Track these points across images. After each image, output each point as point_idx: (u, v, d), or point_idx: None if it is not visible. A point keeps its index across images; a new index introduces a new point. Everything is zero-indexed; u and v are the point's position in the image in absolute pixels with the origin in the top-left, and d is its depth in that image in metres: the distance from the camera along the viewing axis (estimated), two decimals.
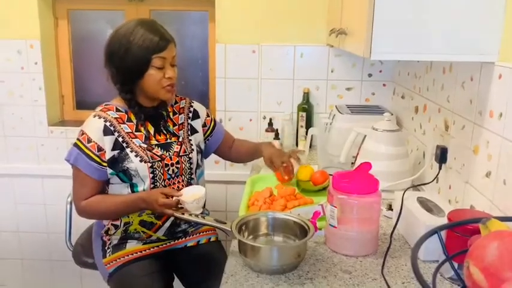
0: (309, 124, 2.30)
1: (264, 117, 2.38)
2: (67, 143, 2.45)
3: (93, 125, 1.50)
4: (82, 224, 1.95)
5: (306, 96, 2.30)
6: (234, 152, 1.85)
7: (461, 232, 1.01)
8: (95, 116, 1.52)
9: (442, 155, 1.52)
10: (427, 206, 1.31)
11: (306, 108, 2.30)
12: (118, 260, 1.58)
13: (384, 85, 2.32)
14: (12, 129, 2.47)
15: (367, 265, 1.20)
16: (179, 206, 1.44)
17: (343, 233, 1.25)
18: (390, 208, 1.49)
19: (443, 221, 1.17)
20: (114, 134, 1.50)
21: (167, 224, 1.60)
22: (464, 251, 0.73)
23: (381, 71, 2.31)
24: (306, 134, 2.22)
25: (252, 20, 2.28)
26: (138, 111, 1.55)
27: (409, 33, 1.19)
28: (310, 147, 2.18)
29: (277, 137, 2.28)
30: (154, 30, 1.47)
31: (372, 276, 1.14)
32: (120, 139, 1.51)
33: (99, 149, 1.48)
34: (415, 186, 1.62)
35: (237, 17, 2.28)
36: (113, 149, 1.50)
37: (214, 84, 2.39)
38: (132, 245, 1.60)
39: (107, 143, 1.49)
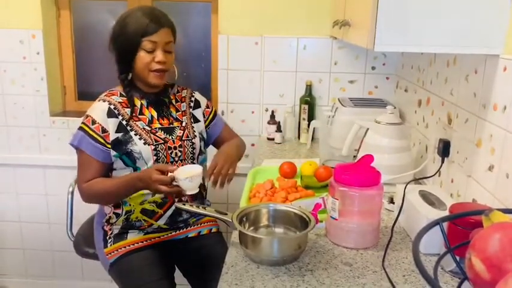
0: (311, 117, 2.29)
1: (266, 110, 2.37)
2: (69, 133, 2.45)
3: (98, 108, 1.54)
4: (83, 214, 1.96)
5: (309, 88, 2.29)
6: None
7: (462, 225, 1.01)
8: (99, 100, 1.57)
9: (444, 149, 1.51)
10: (429, 199, 1.31)
11: (309, 100, 2.29)
12: (119, 250, 1.58)
13: (387, 78, 2.31)
14: (14, 118, 2.47)
15: (367, 257, 1.20)
16: (174, 183, 1.42)
17: (344, 225, 1.24)
18: (392, 201, 1.49)
19: (445, 214, 1.16)
20: (117, 117, 1.53)
21: (168, 212, 1.61)
22: (466, 243, 0.72)
23: (384, 64, 2.29)
24: (308, 126, 2.21)
25: (254, 11, 2.27)
26: (135, 94, 1.59)
27: (413, 25, 1.17)
28: (312, 140, 2.18)
29: (279, 129, 2.28)
30: (148, 14, 1.51)
31: (373, 269, 1.14)
32: (124, 122, 1.54)
33: (103, 130, 1.51)
34: (417, 180, 1.61)
35: (240, 8, 2.27)
36: (117, 132, 1.52)
37: (217, 76, 2.38)
38: (133, 235, 1.60)
39: (111, 125, 1.52)
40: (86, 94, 2.61)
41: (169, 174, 1.41)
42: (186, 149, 1.60)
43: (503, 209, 0.82)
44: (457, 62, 1.51)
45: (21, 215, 2.63)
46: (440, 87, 1.64)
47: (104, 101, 1.56)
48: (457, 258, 0.86)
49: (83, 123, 1.53)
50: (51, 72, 2.45)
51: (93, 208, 1.76)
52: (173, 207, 1.60)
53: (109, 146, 1.51)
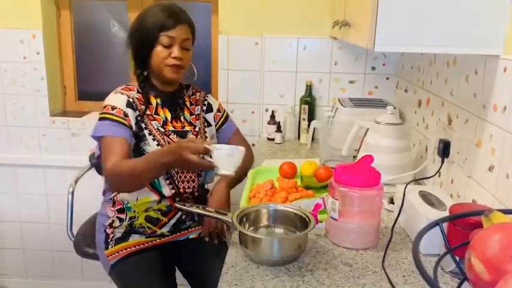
0: (311, 117, 2.29)
1: (267, 110, 2.37)
2: (69, 133, 2.45)
3: (116, 98, 1.51)
4: (83, 214, 1.96)
5: (309, 88, 2.29)
6: None
7: (462, 226, 1.01)
8: (116, 93, 1.54)
9: (444, 149, 1.51)
10: (429, 199, 1.31)
11: (309, 101, 2.29)
12: (120, 252, 1.57)
13: (387, 78, 2.31)
14: (14, 118, 2.47)
15: (367, 258, 1.20)
16: (207, 158, 1.31)
17: (344, 226, 1.24)
18: (392, 202, 1.49)
19: (445, 214, 1.16)
20: (135, 111, 1.51)
21: (172, 221, 1.60)
22: (466, 243, 0.72)
23: (384, 64, 2.29)
24: (308, 127, 2.21)
25: (255, 11, 2.27)
26: (150, 91, 1.57)
27: (413, 25, 1.17)
28: (312, 140, 2.18)
29: (279, 129, 2.28)
30: (167, 10, 1.50)
31: (373, 269, 1.14)
32: (140, 118, 1.52)
33: (125, 114, 1.48)
34: (417, 180, 1.61)
35: (240, 9, 2.27)
36: (135, 123, 1.50)
37: (217, 76, 2.38)
38: (135, 238, 1.59)
39: (130, 114, 1.49)
40: (86, 94, 2.61)
41: (205, 145, 1.28)
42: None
43: (503, 209, 0.82)
44: (457, 63, 1.51)
45: (21, 215, 2.63)
46: (440, 88, 1.64)
47: (122, 93, 1.52)
48: (457, 258, 0.86)
49: (102, 113, 1.48)
50: (51, 72, 2.45)
51: (94, 208, 1.76)
52: (178, 216, 1.60)
53: (131, 129, 1.47)
